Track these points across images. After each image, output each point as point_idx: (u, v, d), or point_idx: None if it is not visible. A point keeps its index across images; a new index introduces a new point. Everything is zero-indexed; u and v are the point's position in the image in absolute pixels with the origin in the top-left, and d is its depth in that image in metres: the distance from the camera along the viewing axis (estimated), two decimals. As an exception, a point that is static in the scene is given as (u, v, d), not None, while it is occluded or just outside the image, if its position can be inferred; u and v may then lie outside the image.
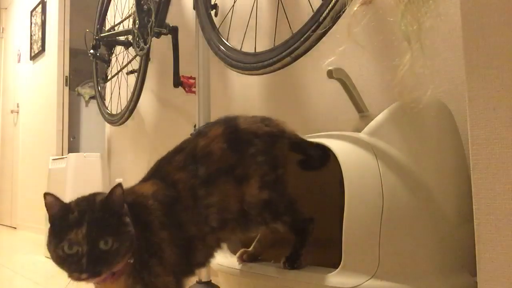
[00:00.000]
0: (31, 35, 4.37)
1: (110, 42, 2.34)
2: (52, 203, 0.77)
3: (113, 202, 0.77)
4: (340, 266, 0.82)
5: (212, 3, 1.48)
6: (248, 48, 1.25)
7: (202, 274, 1.45)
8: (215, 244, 0.89)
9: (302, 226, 0.93)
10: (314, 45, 1.00)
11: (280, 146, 0.94)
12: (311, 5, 1.05)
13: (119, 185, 0.77)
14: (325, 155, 0.95)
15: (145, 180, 0.90)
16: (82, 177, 2.55)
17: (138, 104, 2.15)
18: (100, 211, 0.76)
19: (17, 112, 4.68)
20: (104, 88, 2.75)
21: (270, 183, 0.90)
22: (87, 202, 0.78)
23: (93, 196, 0.80)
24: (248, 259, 1.00)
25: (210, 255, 0.90)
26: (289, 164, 0.96)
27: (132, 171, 2.54)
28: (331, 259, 0.87)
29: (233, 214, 0.88)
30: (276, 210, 0.91)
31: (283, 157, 0.94)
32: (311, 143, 0.97)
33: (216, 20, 1.44)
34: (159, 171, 0.90)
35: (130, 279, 0.79)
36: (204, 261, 0.89)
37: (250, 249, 1.02)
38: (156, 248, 0.80)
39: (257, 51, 1.18)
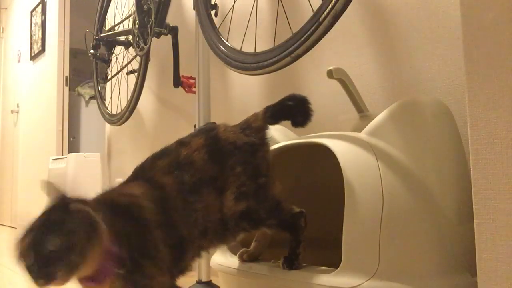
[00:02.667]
0: (31, 35, 4.37)
1: (110, 42, 2.34)
2: None
3: (80, 208, 0.73)
4: (340, 266, 0.82)
5: (212, 3, 1.48)
6: (248, 48, 1.25)
7: (202, 274, 1.45)
8: (197, 250, 0.88)
9: (292, 221, 0.92)
10: (314, 45, 1.00)
11: (261, 154, 0.93)
12: (311, 5, 1.05)
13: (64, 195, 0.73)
14: (303, 106, 0.96)
15: (127, 181, 0.88)
16: (82, 177, 2.55)
17: (138, 104, 2.15)
18: (48, 212, 0.72)
19: (17, 112, 4.68)
20: (104, 88, 2.75)
21: (249, 194, 0.89)
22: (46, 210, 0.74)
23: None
24: (248, 258, 1.00)
25: (194, 259, 0.88)
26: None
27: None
28: (331, 259, 0.87)
29: (212, 224, 0.87)
30: (256, 218, 0.90)
31: (266, 165, 0.93)
32: (283, 104, 0.98)
33: (216, 20, 1.44)
34: (143, 175, 0.88)
35: (120, 283, 0.75)
36: (190, 265, 0.87)
37: (250, 249, 1.02)
38: (150, 248, 0.78)
39: (257, 51, 1.18)
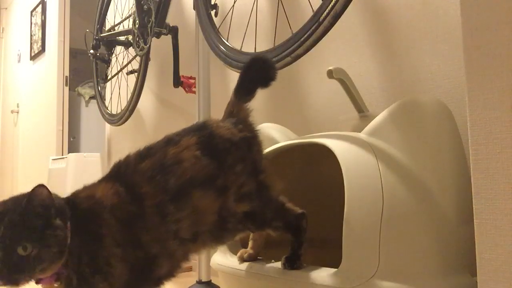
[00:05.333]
0: (31, 35, 4.37)
1: (110, 42, 2.34)
2: None
3: (35, 203, 0.70)
4: (340, 266, 0.82)
5: (212, 3, 1.48)
6: (248, 48, 1.25)
7: (202, 274, 1.45)
8: (182, 257, 0.83)
9: (296, 223, 0.91)
10: (314, 45, 1.00)
11: (257, 148, 0.92)
12: (311, 5, 1.05)
13: (42, 185, 0.71)
14: (262, 66, 0.95)
15: (107, 181, 0.82)
16: (82, 177, 2.55)
17: (138, 104, 2.15)
18: (21, 213, 0.69)
19: (17, 112, 4.68)
20: (104, 88, 2.75)
21: (252, 194, 0.87)
22: (13, 203, 0.71)
23: (22, 196, 0.73)
24: (248, 258, 1.00)
25: (176, 267, 0.84)
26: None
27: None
28: (331, 259, 0.87)
29: (207, 226, 0.83)
30: (262, 220, 0.89)
31: (262, 159, 0.92)
32: (245, 78, 0.96)
33: (216, 20, 1.44)
34: (125, 178, 0.82)
35: None
36: (170, 274, 0.83)
37: (249, 248, 1.02)
38: (103, 264, 0.73)
39: (257, 51, 1.18)
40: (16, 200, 0.72)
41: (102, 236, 0.74)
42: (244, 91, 0.95)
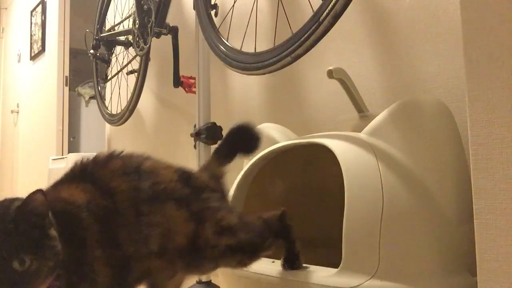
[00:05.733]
0: (31, 35, 4.37)
1: (110, 42, 2.34)
2: None
3: (31, 211, 0.63)
4: (340, 266, 0.82)
5: (212, 3, 1.48)
6: (248, 48, 1.25)
7: (202, 274, 1.45)
8: (147, 271, 0.77)
9: (282, 226, 0.90)
10: (314, 45, 1.00)
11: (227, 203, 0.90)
12: (311, 5, 1.05)
13: (39, 191, 0.64)
14: (247, 134, 0.95)
15: (70, 182, 0.77)
16: (82, 177, 2.54)
17: (138, 104, 2.15)
18: (14, 221, 0.61)
19: (17, 112, 4.68)
20: (104, 88, 2.75)
21: (233, 227, 0.83)
22: (2, 210, 0.64)
23: (9, 202, 0.65)
24: None
25: (141, 281, 0.79)
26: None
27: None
28: (331, 259, 0.87)
29: (176, 246, 0.78)
30: (252, 247, 0.85)
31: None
32: (228, 142, 0.96)
33: (216, 20, 1.44)
34: (89, 173, 0.77)
35: None
36: (138, 284, 0.79)
37: None
38: (88, 270, 0.68)
39: (257, 51, 1.18)
40: (3, 206, 0.65)
41: (85, 239, 0.69)
42: (225, 154, 0.96)
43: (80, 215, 0.70)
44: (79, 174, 0.78)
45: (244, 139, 0.97)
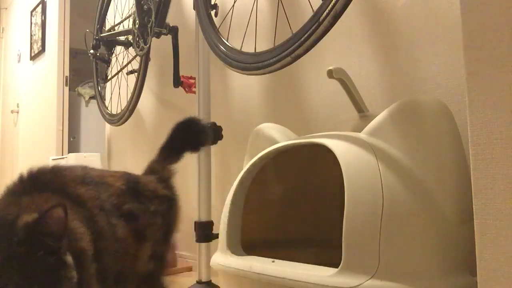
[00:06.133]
0: (31, 35, 4.36)
1: (110, 42, 2.34)
2: None
3: (48, 232, 0.48)
4: (340, 266, 0.82)
5: (212, 3, 1.48)
6: (248, 48, 1.25)
7: (202, 274, 1.45)
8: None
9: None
10: (314, 45, 1.00)
11: (175, 212, 0.87)
12: (311, 5, 1.05)
13: (61, 205, 0.50)
14: (192, 130, 0.91)
15: (27, 192, 0.65)
16: (82, 177, 2.54)
17: (138, 104, 2.15)
18: (25, 244, 0.47)
19: (17, 112, 4.68)
20: (104, 88, 2.75)
21: (159, 255, 0.79)
22: (6, 227, 0.50)
23: (13, 216, 0.51)
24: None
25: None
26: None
27: (132, 172, 2.53)
28: (331, 259, 0.87)
29: (126, 269, 0.72)
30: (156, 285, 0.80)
31: (174, 226, 0.86)
32: (172, 140, 0.91)
33: (216, 20, 1.44)
34: (50, 182, 0.67)
35: None
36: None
37: None
38: None
39: (257, 51, 1.18)
40: (6, 221, 0.50)
41: (82, 253, 0.60)
42: (171, 152, 0.91)
43: (74, 225, 0.62)
44: (34, 183, 0.68)
45: (189, 135, 0.92)
